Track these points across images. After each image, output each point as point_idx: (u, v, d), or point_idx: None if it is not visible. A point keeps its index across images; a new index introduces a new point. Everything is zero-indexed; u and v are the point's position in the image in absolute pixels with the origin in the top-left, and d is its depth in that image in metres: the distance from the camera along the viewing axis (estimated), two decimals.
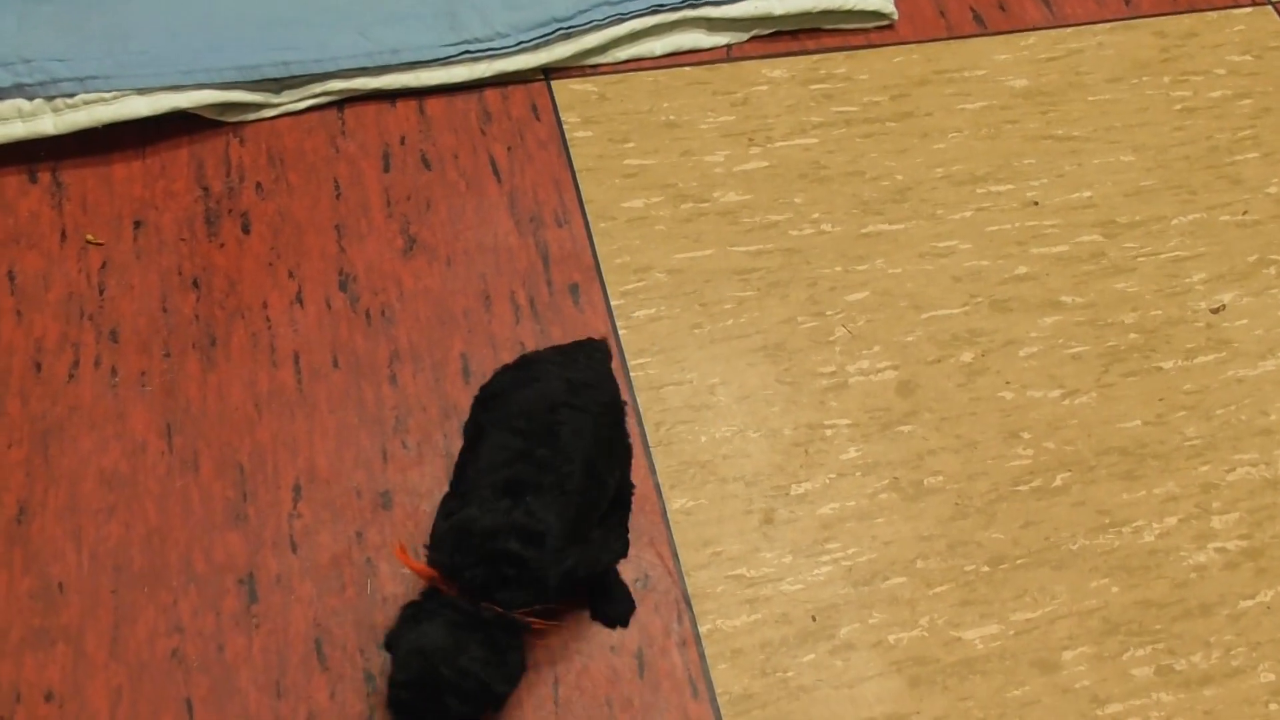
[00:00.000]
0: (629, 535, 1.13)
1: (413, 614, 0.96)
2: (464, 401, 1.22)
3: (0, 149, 1.33)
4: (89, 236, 1.29)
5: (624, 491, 1.13)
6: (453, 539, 0.96)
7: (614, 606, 1.12)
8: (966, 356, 1.33)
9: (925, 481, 1.24)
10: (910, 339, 1.34)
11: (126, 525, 1.12)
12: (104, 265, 1.28)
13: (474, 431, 1.05)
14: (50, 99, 1.31)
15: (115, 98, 1.32)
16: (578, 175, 1.43)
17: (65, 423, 1.17)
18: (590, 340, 1.15)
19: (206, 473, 1.16)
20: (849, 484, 1.23)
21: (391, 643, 0.95)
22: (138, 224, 1.31)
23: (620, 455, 1.11)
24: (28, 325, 1.23)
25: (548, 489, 0.98)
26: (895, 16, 1.63)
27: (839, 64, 1.60)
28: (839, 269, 1.39)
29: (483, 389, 1.09)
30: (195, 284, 1.27)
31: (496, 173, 1.40)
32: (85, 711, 1.03)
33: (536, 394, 1.03)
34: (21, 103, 1.31)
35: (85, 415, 1.18)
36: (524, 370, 1.08)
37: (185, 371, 1.22)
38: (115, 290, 1.26)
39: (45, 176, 1.34)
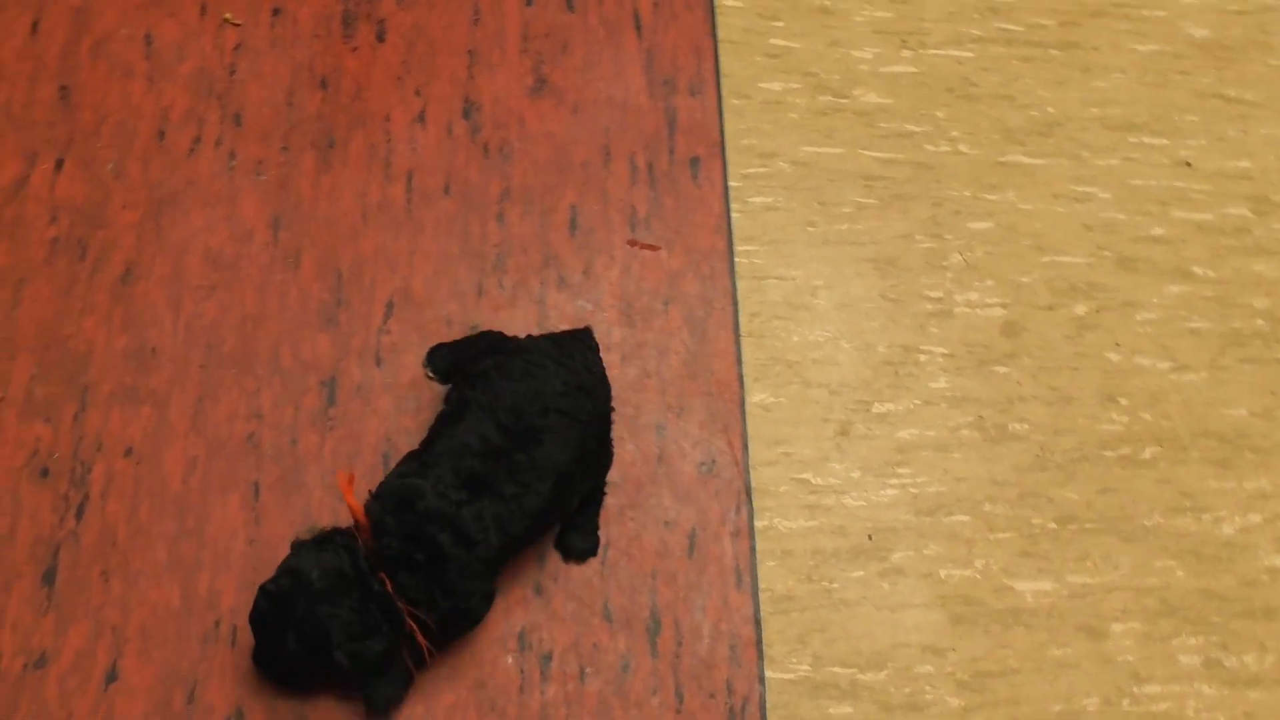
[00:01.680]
0: (599, 532, 1.08)
1: (324, 538, 0.93)
2: (566, 252, 1.20)
3: None
4: (227, 15, 1.27)
5: (597, 492, 1.08)
6: (393, 500, 0.93)
7: (581, 540, 1.07)
8: (1080, 309, 1.27)
9: (1010, 426, 1.19)
10: (1026, 280, 1.28)
11: (224, 306, 1.13)
12: (238, 47, 1.26)
13: (457, 405, 0.99)
14: None
15: None
16: (720, 46, 1.36)
17: (180, 195, 1.17)
18: (585, 331, 1.08)
19: (306, 271, 1.16)
20: (933, 413, 1.19)
21: (293, 545, 0.93)
22: (276, 11, 1.28)
23: (600, 466, 1.06)
24: (158, 93, 1.22)
25: (507, 499, 0.94)
26: None
27: None
28: (968, 194, 1.33)
29: (467, 360, 1.03)
30: (323, 83, 1.25)
31: (639, 27, 1.34)
32: (159, 473, 1.06)
33: (530, 391, 0.97)
34: None
35: (200, 192, 1.18)
36: (518, 359, 1.01)
37: (300, 168, 1.20)
38: (245, 74, 1.24)
39: None
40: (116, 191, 1.17)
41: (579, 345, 1.05)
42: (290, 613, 0.90)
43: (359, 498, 0.95)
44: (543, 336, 1.06)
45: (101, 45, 1.24)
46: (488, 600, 0.98)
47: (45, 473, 1.04)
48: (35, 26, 1.25)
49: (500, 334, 1.10)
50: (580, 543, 1.06)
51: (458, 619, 0.97)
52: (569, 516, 1.05)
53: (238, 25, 1.27)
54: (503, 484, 0.94)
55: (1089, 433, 1.20)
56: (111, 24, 1.26)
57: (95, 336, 1.10)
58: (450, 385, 1.05)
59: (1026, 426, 1.20)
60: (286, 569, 0.91)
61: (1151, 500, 1.17)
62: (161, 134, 1.20)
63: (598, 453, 1.05)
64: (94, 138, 1.19)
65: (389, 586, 0.91)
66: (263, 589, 0.92)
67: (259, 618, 0.93)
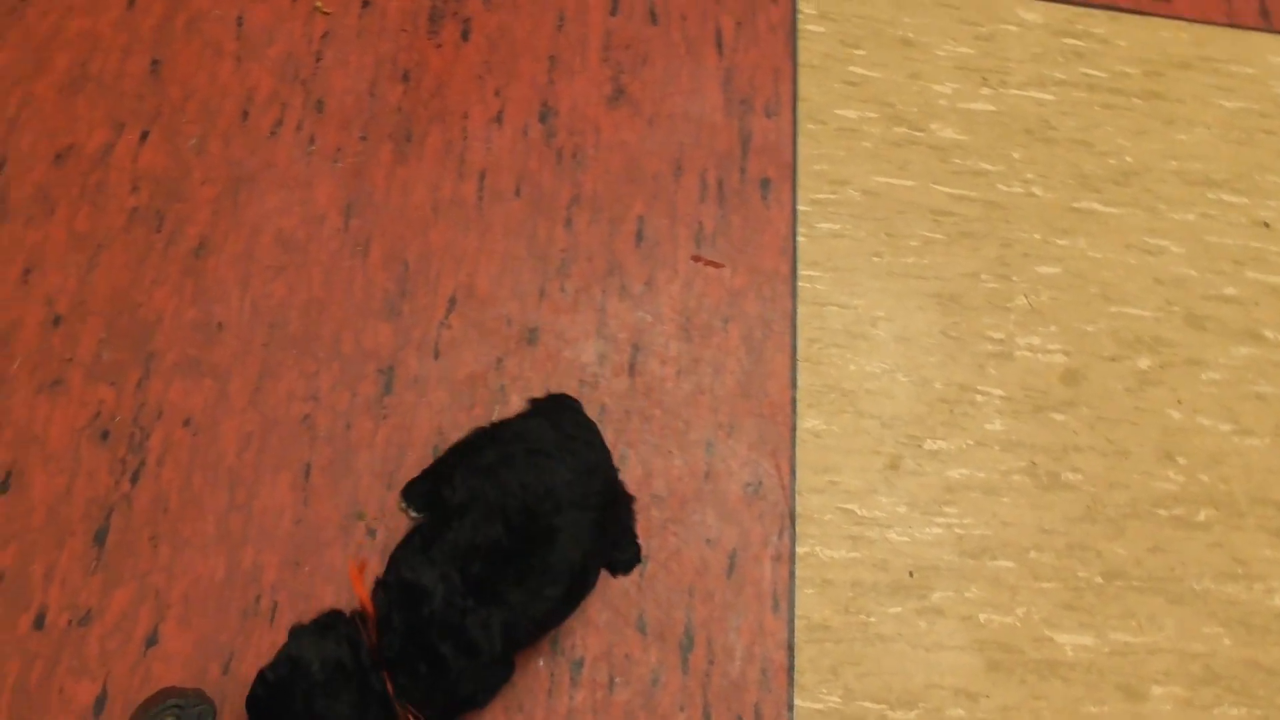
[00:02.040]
0: (638, 541, 1.08)
1: (327, 623, 0.90)
2: (630, 262, 1.20)
3: None
4: (318, 4, 1.29)
5: (625, 519, 1.05)
6: (402, 597, 0.89)
7: (621, 552, 1.06)
8: (1144, 363, 1.25)
9: (1063, 475, 1.17)
10: (1090, 329, 1.26)
11: (291, 288, 1.14)
12: (326, 35, 1.28)
13: (466, 499, 0.94)
14: None
15: None
16: (799, 69, 1.36)
17: (258, 175, 1.19)
18: (567, 399, 1.06)
19: (374, 260, 1.17)
20: (985, 455, 1.18)
21: (293, 631, 0.90)
22: (366, 3, 1.30)
23: (616, 523, 1.03)
24: (244, 73, 1.24)
25: (515, 606, 0.91)
26: None
27: (1100, 23, 1.48)
28: (1037, 237, 1.31)
29: (469, 454, 1.00)
30: (405, 77, 1.26)
31: (720, 45, 1.34)
32: (215, 446, 1.07)
33: (541, 488, 0.93)
34: None
35: (277, 174, 1.19)
36: (519, 447, 0.97)
37: (377, 159, 1.22)
38: (331, 62, 1.26)
39: None
40: (197, 167, 1.19)
41: (572, 415, 1.01)
42: (289, 702, 0.87)
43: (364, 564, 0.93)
44: (535, 417, 1.02)
45: (195, 23, 1.27)
46: (491, 693, 0.97)
47: (105, 435, 1.06)
48: (132, 0, 1.27)
49: (482, 430, 1.04)
50: (621, 554, 1.06)
51: (458, 711, 0.96)
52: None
53: (327, 14, 1.29)
54: (510, 591, 0.91)
55: (1144, 489, 1.18)
56: (206, 3, 1.28)
57: (165, 306, 1.12)
58: (456, 473, 1.00)
59: (1080, 477, 1.18)
60: (287, 657, 0.88)
61: (1202, 564, 1.15)
62: (245, 114, 1.22)
63: (611, 521, 1.01)
64: (180, 113, 1.22)
65: (389, 686, 0.88)
66: (262, 675, 0.88)
67: (256, 703, 0.89)
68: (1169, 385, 1.24)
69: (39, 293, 1.12)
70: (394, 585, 0.91)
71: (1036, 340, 1.25)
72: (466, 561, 0.91)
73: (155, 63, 1.24)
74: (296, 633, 0.89)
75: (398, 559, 0.94)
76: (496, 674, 0.95)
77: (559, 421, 1.00)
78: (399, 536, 1.05)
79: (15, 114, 1.19)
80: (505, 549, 0.92)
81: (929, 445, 1.17)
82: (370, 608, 0.90)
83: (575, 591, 0.96)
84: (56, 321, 1.11)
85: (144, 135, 1.20)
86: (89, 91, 1.22)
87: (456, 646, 0.89)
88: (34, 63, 1.22)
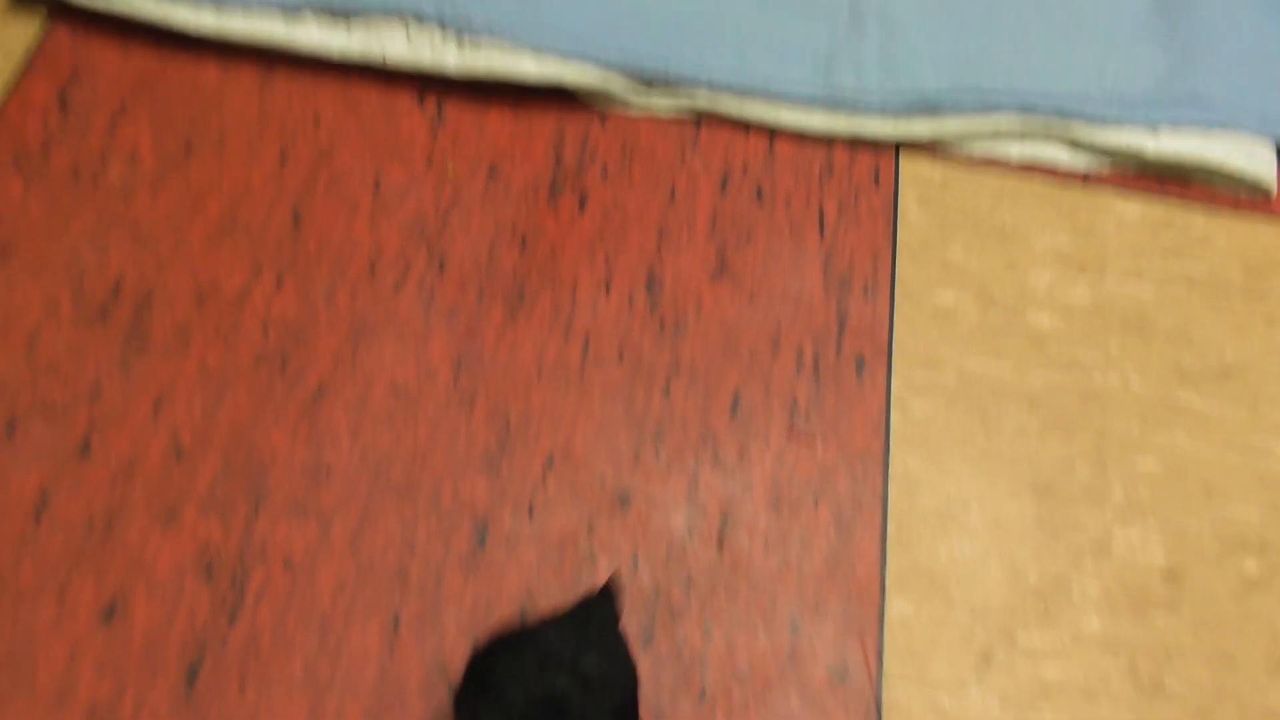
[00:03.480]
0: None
1: None
2: (724, 433, 1.17)
3: (405, 72, 1.39)
4: (450, 169, 1.33)
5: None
6: None
7: None
8: (1251, 567, 1.16)
9: (1166, 681, 1.08)
10: (1192, 526, 1.18)
11: (398, 438, 1.14)
12: (453, 199, 1.31)
13: (467, 717, 0.87)
14: (460, 36, 1.35)
15: (512, 51, 1.35)
16: (898, 252, 1.34)
17: (379, 327, 1.20)
18: (603, 597, 0.94)
19: (478, 416, 1.16)
20: (1082, 653, 1.09)
21: None
22: (493, 171, 1.33)
23: None
24: (376, 230, 1.27)
25: None
26: (1274, 192, 1.44)
27: (1198, 221, 1.43)
28: (1135, 430, 1.24)
29: (477, 661, 0.91)
30: (523, 242, 1.28)
31: (822, 227, 1.34)
32: (312, 590, 1.05)
33: (541, 690, 0.84)
34: (435, 34, 1.35)
35: (397, 327, 1.21)
36: (526, 651, 0.88)
37: (489, 318, 1.22)
38: (456, 225, 1.29)
39: (431, 106, 1.38)
40: (324, 315, 1.21)
41: (595, 617, 0.90)
42: None
43: None
44: (554, 621, 0.91)
45: (335, 182, 1.31)
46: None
47: (210, 571, 1.05)
48: (283, 157, 1.33)
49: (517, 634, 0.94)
50: None
51: None
52: None
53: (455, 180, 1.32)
54: None
55: (1255, 705, 1.07)
56: (347, 164, 1.33)
57: (279, 447, 1.12)
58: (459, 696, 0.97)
59: (1184, 685, 1.08)
60: None
61: None
62: (373, 268, 1.25)
63: None
64: (314, 263, 1.25)
65: None
66: None
67: None
68: (1278, 593, 1.14)
69: (166, 425, 1.13)
70: None
71: (1135, 535, 1.17)
72: None
73: (297, 215, 1.28)
74: None
75: None
76: None
77: (580, 622, 0.89)
78: None
79: (168, 256, 1.23)
80: None
81: (1022, 639, 1.09)
82: None
83: None
84: (179, 455, 1.11)
85: (279, 282, 1.23)
86: (235, 238, 1.26)
87: None
88: (190, 209, 1.27)
